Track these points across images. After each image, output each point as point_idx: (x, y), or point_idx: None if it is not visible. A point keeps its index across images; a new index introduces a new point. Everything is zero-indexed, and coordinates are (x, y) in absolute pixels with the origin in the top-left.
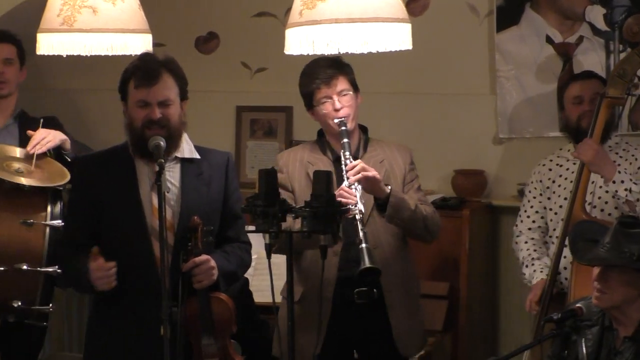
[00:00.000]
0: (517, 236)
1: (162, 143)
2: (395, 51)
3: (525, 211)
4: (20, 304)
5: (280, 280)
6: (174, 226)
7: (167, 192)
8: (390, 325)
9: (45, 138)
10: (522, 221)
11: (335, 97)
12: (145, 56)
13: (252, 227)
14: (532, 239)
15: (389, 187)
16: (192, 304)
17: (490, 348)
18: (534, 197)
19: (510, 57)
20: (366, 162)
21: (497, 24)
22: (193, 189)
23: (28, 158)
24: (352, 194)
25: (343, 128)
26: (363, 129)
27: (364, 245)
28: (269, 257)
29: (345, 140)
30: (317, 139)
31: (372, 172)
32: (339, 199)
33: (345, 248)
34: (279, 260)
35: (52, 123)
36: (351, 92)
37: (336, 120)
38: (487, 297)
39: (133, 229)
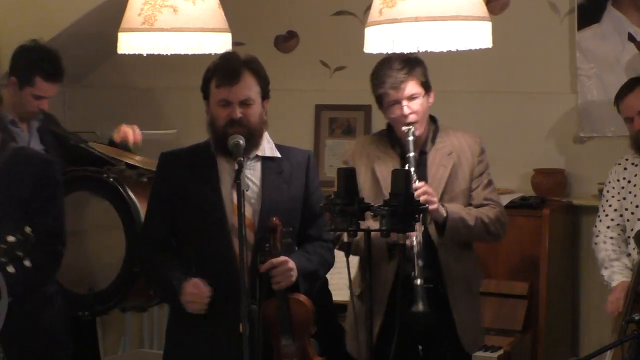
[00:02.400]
0: (596, 236)
1: (242, 141)
2: (475, 50)
3: (604, 211)
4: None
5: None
6: (254, 224)
7: (247, 190)
8: (453, 320)
9: (129, 129)
10: (600, 221)
11: (404, 102)
12: (227, 55)
13: None
14: (611, 237)
15: (446, 210)
16: (270, 305)
17: (570, 348)
18: (613, 197)
19: (591, 56)
20: (434, 156)
21: (578, 22)
22: (274, 187)
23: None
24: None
25: (410, 138)
26: (432, 119)
27: (418, 282)
28: (347, 255)
29: (412, 154)
30: (387, 131)
31: (433, 206)
32: None
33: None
34: (357, 260)
35: (52, 120)
36: (421, 96)
37: (404, 128)
38: (567, 297)
39: (213, 227)
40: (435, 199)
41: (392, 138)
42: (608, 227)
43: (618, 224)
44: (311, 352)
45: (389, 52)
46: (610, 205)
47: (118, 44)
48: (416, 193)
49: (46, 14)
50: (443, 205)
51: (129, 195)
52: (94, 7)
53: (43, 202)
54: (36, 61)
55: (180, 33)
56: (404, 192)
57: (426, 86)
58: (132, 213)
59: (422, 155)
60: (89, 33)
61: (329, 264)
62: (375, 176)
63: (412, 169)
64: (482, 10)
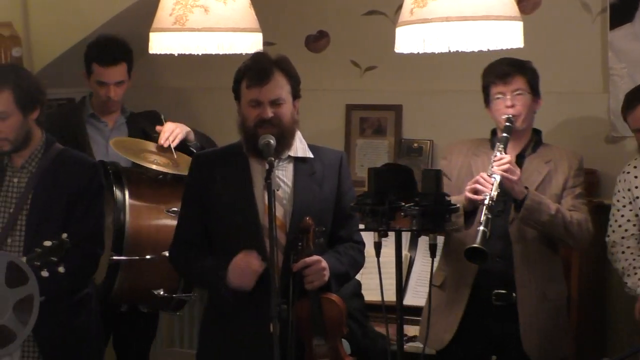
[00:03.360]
0: (612, 247)
1: (272, 141)
2: (507, 49)
3: (616, 221)
4: (162, 292)
5: (390, 279)
6: (286, 225)
7: (277, 190)
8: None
9: (174, 131)
10: (613, 231)
11: (508, 95)
12: (257, 56)
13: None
14: (629, 247)
15: (527, 189)
16: (303, 305)
17: (601, 351)
18: (624, 206)
19: (623, 55)
20: (531, 161)
21: (611, 21)
22: (306, 188)
23: (160, 151)
24: (488, 182)
25: (508, 124)
26: (537, 132)
27: (481, 228)
28: (378, 256)
29: (505, 134)
30: (490, 136)
31: (515, 176)
32: (474, 185)
33: (489, 239)
34: (388, 260)
35: (155, 117)
36: (527, 94)
37: (504, 116)
38: (598, 299)
39: (245, 227)
40: (518, 172)
41: (493, 142)
42: (623, 238)
43: (633, 234)
44: (343, 352)
45: (420, 52)
46: (622, 216)
47: (149, 44)
48: (500, 162)
49: (78, 15)
50: (527, 187)
51: (121, 190)
52: (125, 7)
53: (86, 206)
54: (91, 49)
55: (212, 33)
56: (434, 192)
57: (534, 88)
58: (117, 208)
59: (520, 159)
60: (121, 33)
61: (359, 265)
62: (470, 170)
63: (502, 146)
64: (514, 9)
